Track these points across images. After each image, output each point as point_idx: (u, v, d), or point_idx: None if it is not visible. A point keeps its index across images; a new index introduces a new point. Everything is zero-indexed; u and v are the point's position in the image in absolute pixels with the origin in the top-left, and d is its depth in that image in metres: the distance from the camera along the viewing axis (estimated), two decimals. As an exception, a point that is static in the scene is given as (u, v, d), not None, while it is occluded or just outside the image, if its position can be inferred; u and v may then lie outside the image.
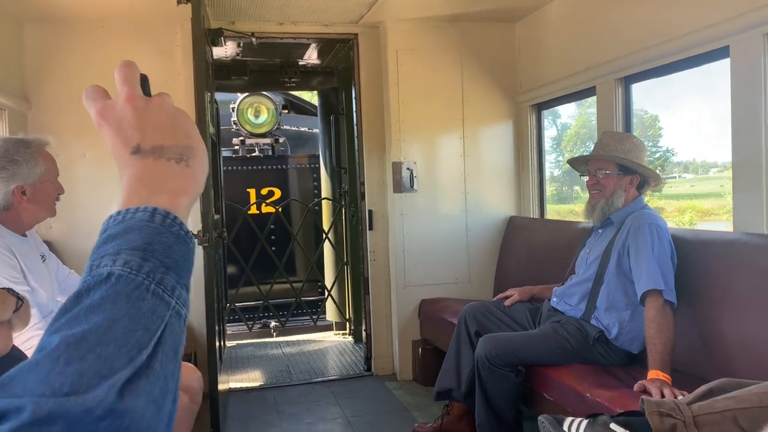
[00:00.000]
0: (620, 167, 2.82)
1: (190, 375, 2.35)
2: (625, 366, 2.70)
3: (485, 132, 4.45)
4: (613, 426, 1.63)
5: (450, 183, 4.36)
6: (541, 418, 1.83)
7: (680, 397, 1.82)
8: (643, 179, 2.84)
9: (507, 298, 3.24)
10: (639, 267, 2.56)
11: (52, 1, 3.50)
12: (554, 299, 2.99)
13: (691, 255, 2.63)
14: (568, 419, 1.78)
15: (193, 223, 3.87)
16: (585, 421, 1.73)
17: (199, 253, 3.60)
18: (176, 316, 0.55)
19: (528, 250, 4.07)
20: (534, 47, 4.26)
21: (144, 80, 0.69)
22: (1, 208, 2.18)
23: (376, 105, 4.37)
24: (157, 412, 0.49)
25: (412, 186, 4.25)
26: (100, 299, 0.52)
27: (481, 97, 4.39)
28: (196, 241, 0.62)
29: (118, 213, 0.60)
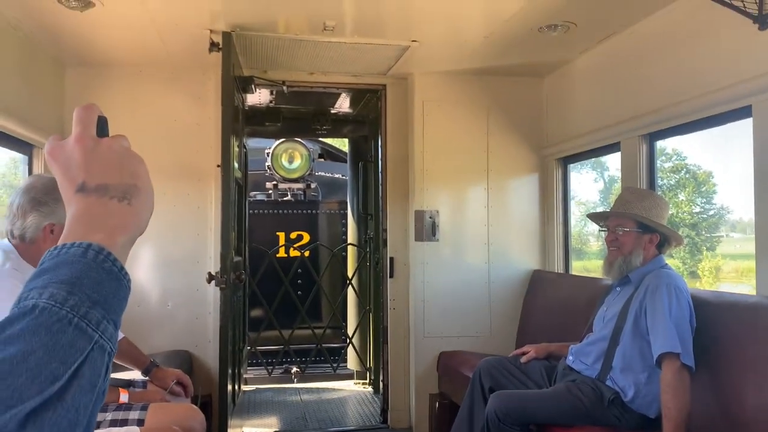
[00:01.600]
0: (640, 225, 2.78)
1: (193, 416, 2.36)
2: (640, 430, 2.59)
3: (510, 184, 4.45)
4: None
5: (473, 233, 4.34)
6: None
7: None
8: (664, 238, 2.78)
9: (524, 354, 3.19)
10: (655, 328, 2.49)
11: (92, 46, 3.70)
12: (570, 357, 2.92)
13: (711, 318, 2.54)
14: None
15: (214, 264, 3.94)
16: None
17: (217, 295, 3.65)
18: (99, 350, 0.57)
19: (551, 305, 4.00)
20: (560, 101, 4.28)
21: (103, 122, 0.72)
22: (27, 240, 2.22)
23: (402, 153, 4.44)
24: None
25: (434, 235, 4.25)
26: (20, 331, 0.54)
27: (507, 149, 4.41)
28: (129, 278, 0.66)
29: (55, 248, 0.62)
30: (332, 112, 5.61)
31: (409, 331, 4.34)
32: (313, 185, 6.88)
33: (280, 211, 6.57)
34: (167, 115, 4.08)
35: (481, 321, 4.31)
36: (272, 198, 6.77)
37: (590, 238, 5.44)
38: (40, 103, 3.68)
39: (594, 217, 3.00)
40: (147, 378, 2.74)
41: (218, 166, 3.65)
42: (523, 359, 3.14)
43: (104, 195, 0.66)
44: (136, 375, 2.79)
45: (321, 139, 7.83)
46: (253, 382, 5.66)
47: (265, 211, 6.54)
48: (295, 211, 6.60)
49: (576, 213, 4.43)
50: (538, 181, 4.47)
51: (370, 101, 5.08)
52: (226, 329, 3.46)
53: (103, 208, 0.66)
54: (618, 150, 3.59)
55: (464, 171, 4.35)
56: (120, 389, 2.49)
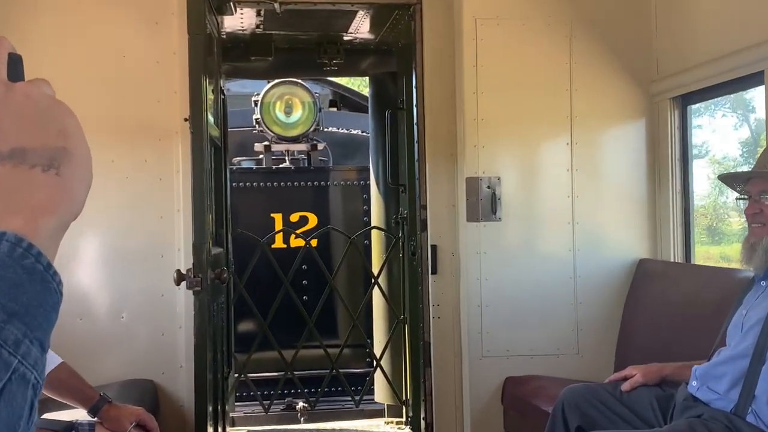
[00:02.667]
0: (795, 190, 2.74)
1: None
2: (799, 488, 2.57)
3: (604, 136, 4.42)
4: None
5: (551, 209, 4.33)
6: None
7: None
8: (830, 209, 2.74)
9: (626, 379, 3.19)
10: (819, 339, 2.45)
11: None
12: (694, 383, 2.91)
13: None
14: None
15: (184, 259, 3.98)
16: None
17: (190, 302, 3.69)
18: (20, 381, 0.57)
19: (665, 309, 4.00)
20: (678, 13, 4.23)
21: (15, 61, 0.72)
22: None
23: (446, 96, 4.43)
24: None
25: (494, 212, 4.24)
26: None
27: (599, 85, 4.36)
28: (59, 279, 0.67)
29: None
30: (346, 39, 5.59)
31: (461, 348, 4.36)
32: (321, 146, 6.88)
33: (276, 184, 6.60)
34: (112, 48, 4.10)
35: (563, 333, 4.30)
36: (264, 165, 6.79)
37: (731, 213, 5.30)
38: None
39: (729, 179, 2.98)
40: (95, 419, 2.78)
41: (186, 119, 3.66)
42: (626, 386, 3.13)
43: (22, 163, 0.66)
44: (80, 415, 2.84)
45: (331, 78, 7.81)
46: (243, 423, 5.73)
47: (255, 185, 6.57)
48: (296, 184, 6.62)
49: (711, 176, 4.32)
50: (644, 130, 4.42)
51: (400, 22, 5.03)
52: (204, 349, 3.49)
53: (21, 182, 0.66)
54: (761, 83, 3.53)
55: (537, 119, 4.32)
56: (58, 435, 2.53)
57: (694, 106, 4.35)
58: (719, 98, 4.28)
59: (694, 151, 4.39)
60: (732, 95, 4.29)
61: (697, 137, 4.36)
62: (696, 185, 4.40)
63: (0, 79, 0.69)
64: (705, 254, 5.86)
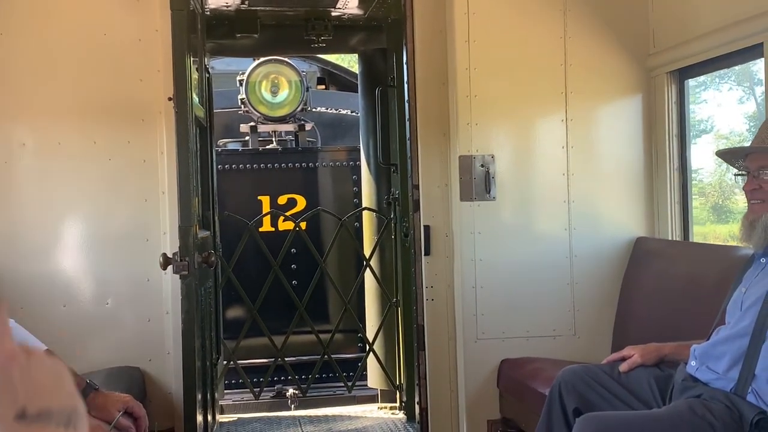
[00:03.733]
0: (796, 165, 2.75)
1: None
2: (800, 467, 2.60)
3: (600, 112, 4.42)
4: None
5: (546, 187, 4.34)
6: None
7: None
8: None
9: (624, 359, 3.19)
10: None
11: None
12: (692, 363, 2.92)
13: None
14: None
15: (170, 242, 3.98)
16: None
17: (177, 286, 3.69)
18: None
19: (663, 288, 4.01)
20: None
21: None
22: None
23: (438, 73, 4.41)
24: None
25: (488, 191, 4.24)
26: None
27: (594, 59, 4.36)
28: None
29: None
30: (334, 15, 5.57)
31: (456, 331, 4.37)
32: (308, 126, 6.87)
33: (263, 166, 6.59)
34: (92, 26, 4.06)
35: (560, 314, 4.32)
36: (250, 147, 6.78)
37: (738, 191, 5.33)
38: None
39: (727, 155, 2.97)
40: (81, 406, 2.78)
41: (170, 99, 3.65)
42: (623, 367, 3.14)
43: (48, 423, 0.76)
44: (65, 402, 2.84)
45: (319, 55, 7.78)
46: (232, 411, 5.75)
47: (241, 166, 6.56)
48: (283, 165, 6.61)
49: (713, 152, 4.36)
50: (641, 106, 4.43)
51: (390, -4, 5.03)
52: (192, 335, 3.49)
53: None
54: (761, 55, 3.54)
55: (531, 96, 4.32)
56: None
57: (697, 79, 4.35)
58: (723, 71, 4.27)
59: (699, 127, 4.36)
60: (737, 67, 4.28)
61: (702, 112, 4.33)
62: (702, 162, 4.39)
63: (22, 346, 0.78)
64: (712, 234, 5.78)
